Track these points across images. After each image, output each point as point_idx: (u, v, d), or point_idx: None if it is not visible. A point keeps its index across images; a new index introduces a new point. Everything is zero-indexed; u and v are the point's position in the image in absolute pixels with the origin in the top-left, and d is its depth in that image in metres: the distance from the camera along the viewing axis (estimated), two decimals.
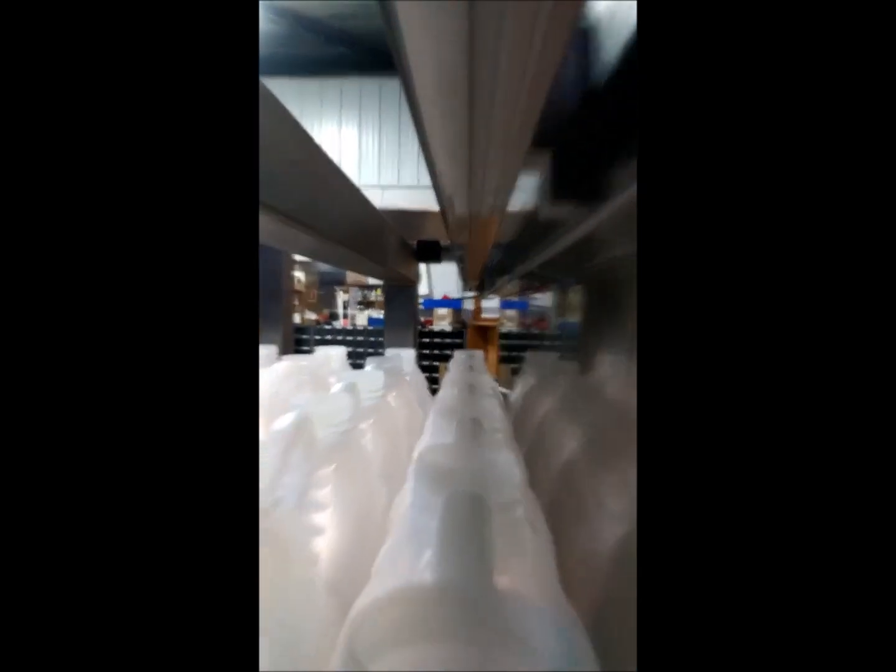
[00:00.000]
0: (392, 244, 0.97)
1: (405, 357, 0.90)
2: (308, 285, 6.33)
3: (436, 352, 5.18)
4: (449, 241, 1.11)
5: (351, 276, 5.71)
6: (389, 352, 0.95)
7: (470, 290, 1.54)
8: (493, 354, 4.51)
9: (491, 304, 4.93)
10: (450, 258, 1.18)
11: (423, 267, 4.83)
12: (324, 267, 6.28)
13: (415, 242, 1.17)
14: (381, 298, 5.74)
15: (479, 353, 1.07)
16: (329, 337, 5.28)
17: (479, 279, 1.45)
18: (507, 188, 0.37)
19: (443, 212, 0.59)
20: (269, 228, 0.43)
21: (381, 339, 5.63)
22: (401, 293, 1.22)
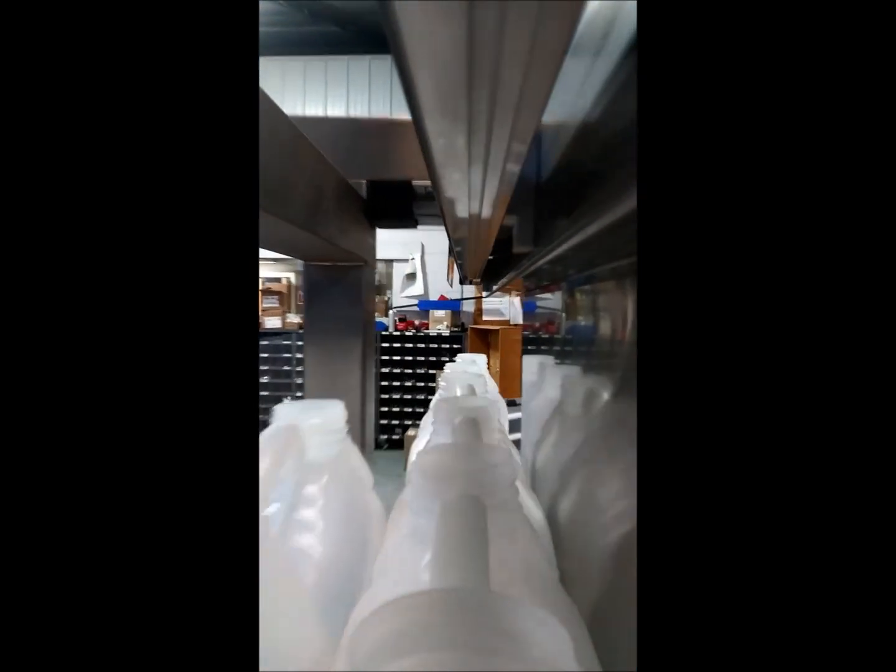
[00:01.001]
0: (324, 187, 0.51)
1: (319, 429, 0.37)
2: (299, 286, 5.91)
3: (432, 359, 4.78)
4: (430, 185, 0.55)
5: None
6: (284, 413, 0.41)
7: (469, 282, 1.01)
8: (496, 361, 4.05)
9: (493, 304, 4.50)
10: (432, 218, 0.65)
11: (417, 262, 4.27)
12: None
13: (364, 186, 0.64)
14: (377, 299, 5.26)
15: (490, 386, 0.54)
16: None
17: (481, 274, 0.97)
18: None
19: (441, 210, 0.41)
20: None
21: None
22: (336, 285, 0.61)
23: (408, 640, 0.16)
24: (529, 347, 0.90)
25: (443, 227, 0.56)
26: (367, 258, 0.63)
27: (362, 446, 0.65)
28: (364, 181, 0.62)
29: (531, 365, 0.83)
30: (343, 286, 0.61)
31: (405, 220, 0.63)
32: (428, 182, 0.62)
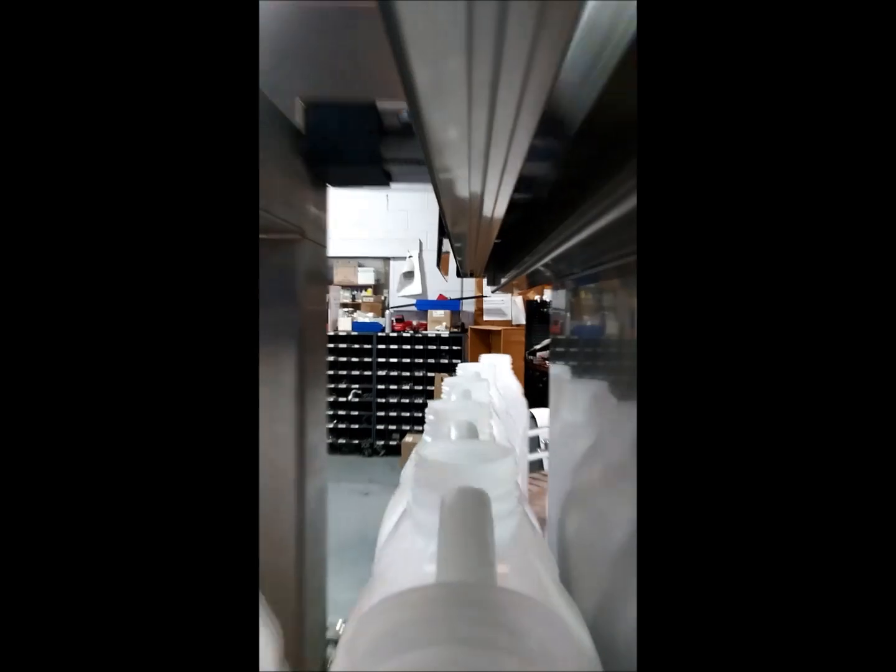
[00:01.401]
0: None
1: None
2: None
3: (430, 361, 4.56)
4: (408, 114, 0.27)
5: (339, 275, 5.04)
6: None
7: (469, 275, 0.77)
8: None
9: (494, 304, 4.28)
10: (410, 168, 0.41)
11: (415, 260, 4.05)
12: None
13: (300, 108, 0.41)
14: (367, 299, 5.07)
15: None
16: None
17: (485, 266, 0.75)
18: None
19: (438, 196, 0.33)
20: None
21: (367, 346, 4.87)
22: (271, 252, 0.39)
23: (408, 635, 0.16)
24: (558, 350, 0.68)
25: (429, 187, 0.33)
26: (304, 227, 0.40)
27: (299, 526, 0.41)
28: (300, 101, 0.39)
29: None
30: (267, 270, 0.38)
31: (369, 168, 0.40)
32: (403, 106, 0.39)
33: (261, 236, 0.38)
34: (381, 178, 0.43)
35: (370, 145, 0.39)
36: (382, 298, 5.09)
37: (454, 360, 4.57)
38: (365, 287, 5.18)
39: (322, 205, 0.46)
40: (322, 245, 0.46)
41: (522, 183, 0.33)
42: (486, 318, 4.32)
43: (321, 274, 0.48)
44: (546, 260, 0.51)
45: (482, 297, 4.32)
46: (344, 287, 5.14)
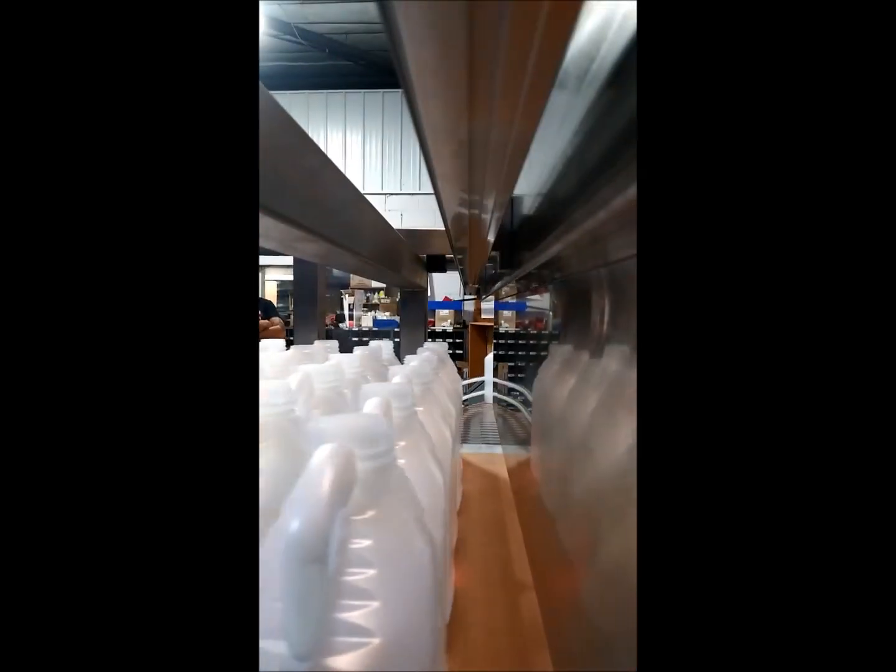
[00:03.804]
0: (406, 257, 1.13)
1: (439, 351, 0.98)
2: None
3: None
4: (452, 254, 1.32)
5: (354, 280, 5.79)
6: (419, 350, 0.96)
7: (469, 293, 1.76)
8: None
9: (490, 304, 4.99)
10: (452, 268, 1.43)
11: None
12: (328, 271, 6.29)
13: (424, 256, 1.42)
14: (384, 300, 5.89)
15: None
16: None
17: (478, 282, 1.58)
18: (505, 194, 0.40)
19: (443, 216, 0.58)
20: (320, 252, 0.60)
21: (387, 339, 5.67)
22: (413, 298, 1.43)
23: None
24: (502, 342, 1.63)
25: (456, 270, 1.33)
26: (424, 287, 1.41)
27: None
28: (425, 255, 1.41)
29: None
30: (415, 301, 1.39)
31: (441, 270, 1.41)
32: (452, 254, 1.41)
33: (413, 290, 1.41)
34: (443, 270, 1.46)
35: (442, 264, 1.42)
36: (397, 300, 5.74)
37: (457, 351, 5.35)
38: (378, 290, 5.87)
39: (426, 276, 1.48)
40: (426, 291, 1.49)
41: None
42: (483, 315, 5.01)
43: (427, 302, 1.51)
44: (512, 281, 1.49)
45: (479, 298, 5.12)
46: (364, 290, 5.87)
